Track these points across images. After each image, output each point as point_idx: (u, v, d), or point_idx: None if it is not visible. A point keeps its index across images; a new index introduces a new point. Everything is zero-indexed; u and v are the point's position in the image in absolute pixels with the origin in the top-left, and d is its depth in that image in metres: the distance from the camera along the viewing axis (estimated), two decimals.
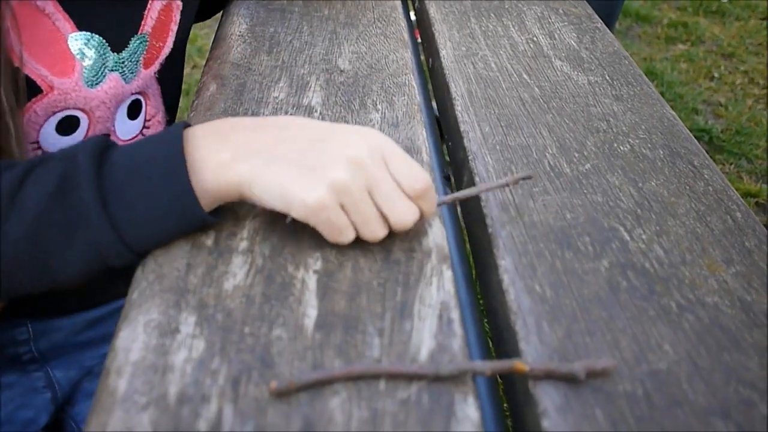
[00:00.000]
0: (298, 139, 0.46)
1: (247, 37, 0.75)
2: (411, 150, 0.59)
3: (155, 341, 0.40)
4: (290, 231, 0.49)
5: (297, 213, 0.45)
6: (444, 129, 0.72)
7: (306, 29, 0.78)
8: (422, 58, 0.89)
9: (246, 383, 0.38)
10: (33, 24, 0.54)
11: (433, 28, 0.81)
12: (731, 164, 2.13)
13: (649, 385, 0.40)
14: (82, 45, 0.58)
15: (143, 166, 0.44)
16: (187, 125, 0.48)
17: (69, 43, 0.57)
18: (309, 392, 0.38)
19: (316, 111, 0.63)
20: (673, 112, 0.68)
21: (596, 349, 0.42)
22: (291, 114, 0.62)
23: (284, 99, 0.65)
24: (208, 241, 0.48)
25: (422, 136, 0.61)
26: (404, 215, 0.46)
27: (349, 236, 0.46)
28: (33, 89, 0.55)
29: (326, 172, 0.44)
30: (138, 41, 0.63)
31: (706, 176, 0.59)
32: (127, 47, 0.62)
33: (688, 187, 0.57)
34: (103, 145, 0.45)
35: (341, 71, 0.70)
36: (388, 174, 0.46)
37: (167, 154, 0.44)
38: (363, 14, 0.82)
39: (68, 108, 0.59)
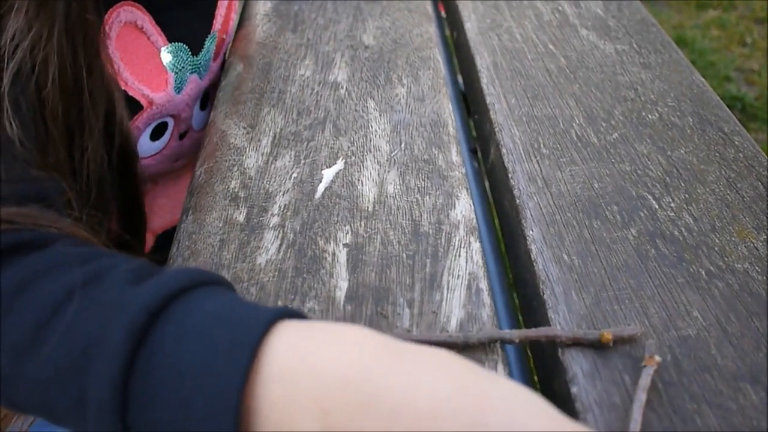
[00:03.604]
0: None
1: (271, 16, 0.76)
2: (437, 124, 0.59)
3: None
4: (319, 206, 0.50)
5: None
6: (470, 102, 0.72)
7: (330, 6, 0.78)
8: (447, 32, 0.88)
9: None
10: (133, 42, 0.56)
11: (456, 1, 0.81)
12: (766, 132, 2.08)
13: (678, 350, 0.40)
14: (171, 56, 0.60)
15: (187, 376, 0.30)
16: (282, 315, 0.33)
17: (162, 56, 0.59)
18: None
19: (342, 87, 0.64)
20: (703, 79, 0.67)
21: (624, 316, 0.42)
22: (317, 91, 0.63)
23: (310, 76, 0.65)
24: (240, 217, 0.49)
25: (448, 110, 0.61)
26: None
27: None
28: (135, 106, 0.57)
29: None
30: (210, 40, 0.65)
31: (736, 143, 0.58)
32: (203, 49, 0.64)
33: (718, 154, 0.56)
34: (153, 313, 0.31)
35: (366, 47, 0.70)
36: None
37: (224, 369, 0.30)
38: None
39: (162, 117, 0.61)
